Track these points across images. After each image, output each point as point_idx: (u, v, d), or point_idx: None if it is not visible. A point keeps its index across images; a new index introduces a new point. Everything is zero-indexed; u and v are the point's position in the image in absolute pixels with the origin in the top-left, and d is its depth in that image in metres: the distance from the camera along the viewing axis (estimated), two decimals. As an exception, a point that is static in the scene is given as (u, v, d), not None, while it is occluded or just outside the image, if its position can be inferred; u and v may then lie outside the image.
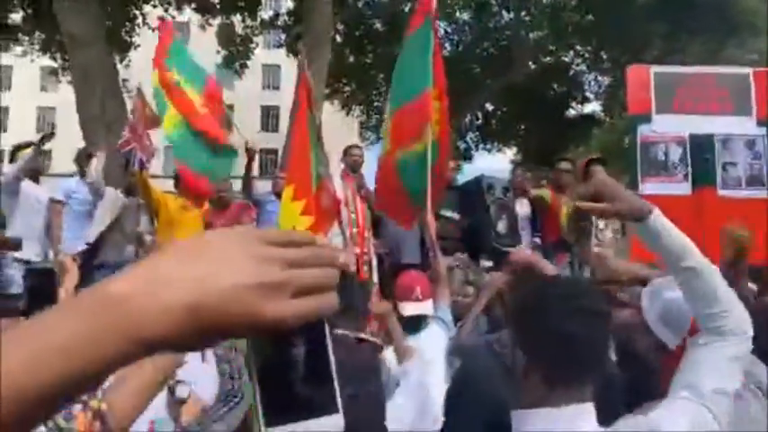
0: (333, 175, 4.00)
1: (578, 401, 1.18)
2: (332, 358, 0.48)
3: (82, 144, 8.36)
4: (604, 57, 15.30)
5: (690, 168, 3.04)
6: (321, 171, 3.55)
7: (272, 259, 0.45)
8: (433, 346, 2.56)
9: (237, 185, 6.11)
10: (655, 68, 3.19)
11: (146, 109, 5.31)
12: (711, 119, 3.08)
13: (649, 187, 2.99)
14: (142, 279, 0.44)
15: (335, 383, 0.48)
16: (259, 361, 0.47)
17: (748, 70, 3.22)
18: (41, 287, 0.88)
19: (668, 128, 3.05)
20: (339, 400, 0.48)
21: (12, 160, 5.19)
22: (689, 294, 1.23)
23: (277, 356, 0.48)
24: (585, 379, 1.21)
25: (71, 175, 6.40)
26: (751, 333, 1.21)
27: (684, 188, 3.03)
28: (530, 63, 15.29)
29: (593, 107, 17.87)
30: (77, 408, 1.18)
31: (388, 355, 2.53)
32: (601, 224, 4.93)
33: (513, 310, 1.40)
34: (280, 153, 13.37)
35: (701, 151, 3.06)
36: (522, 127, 18.18)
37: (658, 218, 1.22)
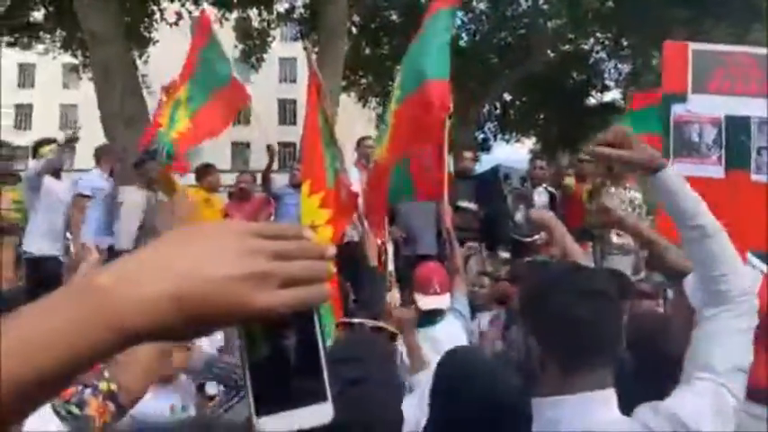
0: (348, 168, 3.99)
1: (596, 388, 1.17)
2: (321, 348, 0.49)
3: (103, 140, 8.49)
4: (624, 44, 15.03)
5: (723, 151, 2.96)
6: (337, 166, 3.54)
7: (259, 251, 0.46)
8: (449, 337, 2.57)
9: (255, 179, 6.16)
10: (693, 46, 3.07)
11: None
12: (749, 101, 2.98)
13: (681, 168, 2.91)
14: (126, 270, 0.45)
15: (325, 373, 0.49)
16: (250, 351, 0.48)
17: None
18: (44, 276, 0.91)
19: (704, 108, 2.96)
20: (328, 389, 0.49)
21: (34, 156, 5.28)
22: (694, 254, 1.22)
23: (268, 347, 0.48)
24: (600, 364, 1.20)
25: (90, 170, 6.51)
26: (755, 302, 1.19)
27: (718, 171, 2.95)
28: (548, 52, 15.09)
29: (613, 95, 17.62)
30: (88, 392, 1.21)
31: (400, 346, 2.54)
32: (612, 189, 4.87)
33: (522, 299, 1.40)
34: (298, 146, 13.42)
35: (736, 134, 2.97)
36: (542, 116, 17.98)
37: (671, 172, 1.23)
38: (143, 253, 0.46)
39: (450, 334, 2.64)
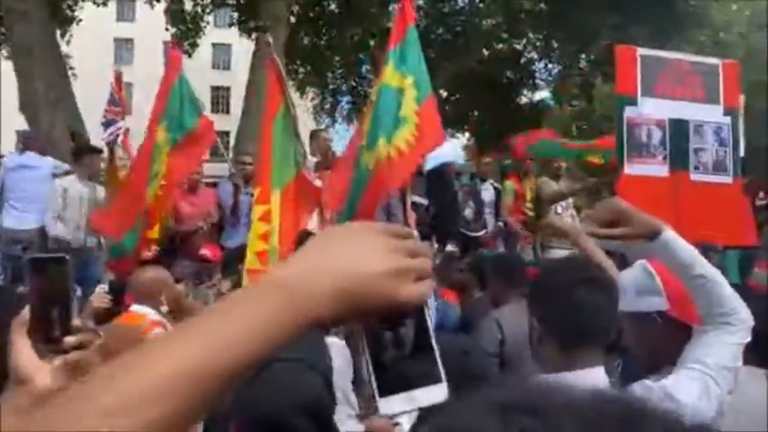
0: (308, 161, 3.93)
1: (592, 365, 1.31)
2: (432, 334, 0.55)
3: (18, 122, 7.94)
4: (555, 45, 15.62)
5: (668, 152, 3.16)
6: (299, 160, 3.49)
7: (397, 249, 0.53)
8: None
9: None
10: (641, 51, 3.26)
11: (122, 94, 5.13)
12: (687, 105, 3.20)
13: (633, 168, 3.09)
14: (303, 267, 0.51)
15: (438, 356, 0.54)
16: (371, 339, 0.54)
17: (718, 61, 3.36)
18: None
19: (651, 111, 3.16)
20: (442, 370, 0.54)
21: None
22: (701, 297, 1.33)
23: (387, 335, 0.54)
24: (594, 344, 1.35)
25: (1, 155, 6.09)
26: (752, 324, 1.33)
27: (663, 170, 3.16)
28: (483, 49, 15.45)
29: (542, 94, 18.28)
30: None
31: None
32: (559, 209, 5.11)
33: (529, 285, 1.55)
34: (232, 135, 13.07)
35: (678, 136, 3.18)
36: (475, 113, 18.38)
37: (669, 232, 1.31)
38: (309, 252, 0.53)
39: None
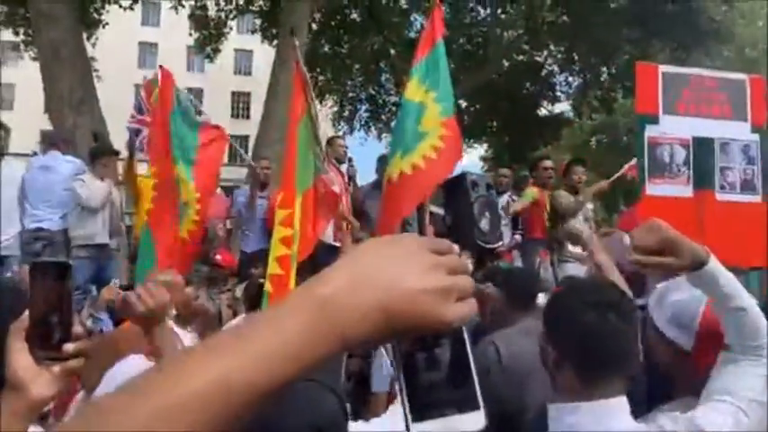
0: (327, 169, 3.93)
1: (610, 396, 1.24)
2: (471, 357, 0.51)
3: (44, 123, 8.07)
4: (576, 58, 15.54)
5: (691, 171, 3.09)
6: (319, 166, 3.48)
7: (440, 266, 0.50)
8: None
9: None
10: (663, 68, 3.20)
11: (151, 99, 5.17)
12: (712, 122, 3.13)
13: (654, 188, 3.03)
14: (341, 281, 0.48)
15: (476, 381, 0.51)
16: (406, 361, 0.51)
17: (745, 76, 3.29)
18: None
19: (674, 129, 3.09)
20: (480, 396, 0.50)
21: None
22: (735, 328, 1.29)
23: (422, 357, 0.51)
24: (613, 372, 1.27)
25: (28, 155, 6.16)
26: None
27: (687, 190, 3.08)
28: (503, 61, 15.42)
29: (562, 107, 18.18)
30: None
31: None
32: (578, 224, 5.05)
33: (544, 307, 1.47)
34: (251, 140, 13.17)
35: (702, 154, 3.11)
36: (494, 124, 18.34)
37: (714, 262, 1.26)
38: (348, 264, 0.49)
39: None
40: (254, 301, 3.23)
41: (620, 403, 1.24)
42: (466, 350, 0.51)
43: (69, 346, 0.83)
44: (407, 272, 0.48)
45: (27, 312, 0.83)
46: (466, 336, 0.51)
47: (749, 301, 1.27)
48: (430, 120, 3.48)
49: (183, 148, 4.24)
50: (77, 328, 0.85)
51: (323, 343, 0.46)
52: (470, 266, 0.52)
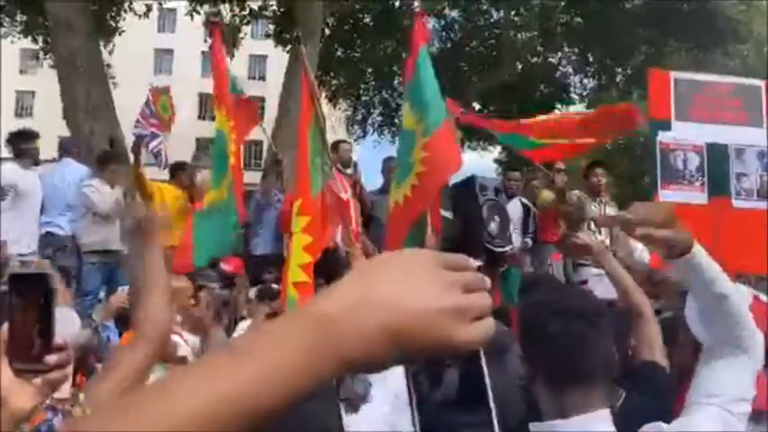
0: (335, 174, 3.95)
1: (587, 410, 1.16)
2: (488, 380, 0.48)
3: (63, 130, 8.21)
4: (590, 60, 15.41)
5: (706, 178, 3.05)
6: (327, 171, 3.51)
7: (455, 284, 0.46)
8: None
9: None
10: (675, 74, 3.18)
11: (157, 106, 5.25)
12: (726, 128, 3.10)
13: (667, 195, 3.00)
14: (345, 299, 0.45)
15: (493, 407, 0.48)
16: (416, 383, 0.48)
17: (760, 82, 3.26)
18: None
19: (687, 135, 3.06)
20: (495, 419, 0.48)
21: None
22: (716, 316, 1.24)
23: (435, 378, 0.47)
24: (587, 383, 1.18)
25: (49, 160, 6.26)
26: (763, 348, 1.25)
27: (701, 198, 3.04)
28: (517, 63, 15.35)
29: (577, 109, 18.01)
30: (57, 420, 1.14)
31: None
32: (593, 227, 5.00)
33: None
34: (265, 144, 13.24)
35: (717, 161, 3.08)
36: (508, 126, 18.24)
37: (701, 250, 1.22)
38: (353, 282, 0.47)
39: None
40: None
41: (599, 417, 1.17)
42: (482, 371, 0.48)
43: (51, 359, 0.82)
44: (419, 290, 0.45)
45: (5, 325, 0.81)
46: (482, 359, 0.48)
47: (731, 289, 1.23)
48: (417, 149, 3.53)
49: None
50: (58, 340, 0.83)
51: (322, 362, 0.43)
52: (488, 283, 0.48)
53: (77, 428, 0.43)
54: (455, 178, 5.72)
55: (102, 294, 4.77)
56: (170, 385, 0.43)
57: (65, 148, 5.41)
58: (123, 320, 2.94)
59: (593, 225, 4.98)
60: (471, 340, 0.46)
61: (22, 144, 4.87)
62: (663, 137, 3.04)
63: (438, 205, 3.92)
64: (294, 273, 3.13)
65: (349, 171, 5.29)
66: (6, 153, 5.02)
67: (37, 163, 4.97)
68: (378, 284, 0.46)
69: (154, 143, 5.53)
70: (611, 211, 5.09)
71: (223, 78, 4.45)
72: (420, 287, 0.45)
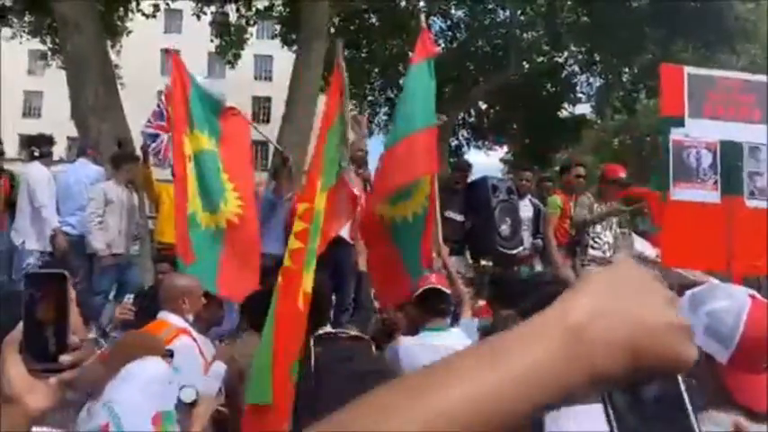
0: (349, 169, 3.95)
1: (581, 403, 1.16)
2: (687, 400, 0.46)
3: (71, 131, 8.23)
4: (597, 59, 15.35)
5: (719, 176, 3.00)
6: (343, 165, 3.50)
7: (674, 299, 0.47)
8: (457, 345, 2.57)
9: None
10: (688, 70, 3.11)
11: (170, 107, 5.21)
12: (740, 126, 3.04)
13: (680, 193, 2.95)
14: (595, 310, 0.44)
15: (695, 424, 0.45)
16: (613, 400, 0.46)
17: None
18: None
19: (700, 133, 3.01)
20: None
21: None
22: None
23: (632, 395, 0.46)
24: None
25: (60, 161, 6.31)
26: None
27: (714, 196, 2.99)
28: (523, 62, 15.30)
29: (583, 108, 17.95)
30: None
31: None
32: (598, 228, 4.97)
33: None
34: (271, 145, 13.24)
35: (730, 159, 3.02)
36: (514, 126, 18.21)
37: None
38: (596, 293, 0.46)
39: (456, 342, 2.63)
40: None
41: (591, 410, 1.17)
42: (680, 389, 0.46)
43: (65, 358, 0.81)
44: (653, 306, 0.45)
45: (21, 324, 0.81)
46: (681, 379, 0.46)
47: None
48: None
49: (206, 123, 4.15)
50: (74, 338, 0.83)
51: (573, 372, 0.43)
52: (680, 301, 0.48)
53: (321, 429, 0.42)
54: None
55: (112, 295, 4.78)
56: (418, 385, 0.42)
57: (81, 149, 5.47)
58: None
59: (598, 227, 4.95)
60: (694, 358, 0.45)
61: (44, 147, 5.16)
62: (675, 133, 2.99)
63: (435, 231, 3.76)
64: (286, 258, 3.10)
65: (360, 170, 5.28)
66: (15, 154, 5.09)
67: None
68: (613, 300, 0.45)
69: (155, 143, 5.54)
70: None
71: (183, 106, 4.14)
72: (653, 302, 0.46)
